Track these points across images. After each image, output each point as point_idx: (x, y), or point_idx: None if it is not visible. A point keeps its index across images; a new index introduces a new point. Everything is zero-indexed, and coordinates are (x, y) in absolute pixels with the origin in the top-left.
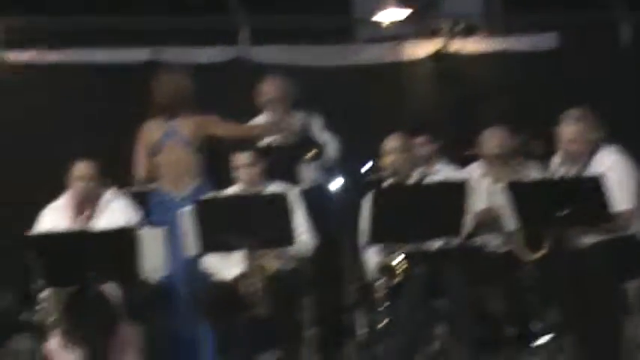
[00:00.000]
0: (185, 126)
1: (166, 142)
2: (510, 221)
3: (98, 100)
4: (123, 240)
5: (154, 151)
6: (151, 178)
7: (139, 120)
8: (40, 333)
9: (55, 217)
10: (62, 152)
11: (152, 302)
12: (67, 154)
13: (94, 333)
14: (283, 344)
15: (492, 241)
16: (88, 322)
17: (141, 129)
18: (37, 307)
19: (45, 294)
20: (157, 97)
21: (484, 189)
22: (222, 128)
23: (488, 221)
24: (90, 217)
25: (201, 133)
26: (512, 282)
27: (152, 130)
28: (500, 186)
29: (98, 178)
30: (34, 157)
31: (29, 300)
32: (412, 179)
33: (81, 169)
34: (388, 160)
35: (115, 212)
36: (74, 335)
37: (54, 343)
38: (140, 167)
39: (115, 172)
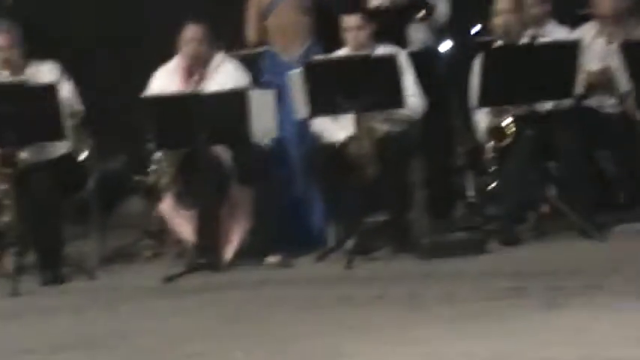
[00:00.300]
0: None
1: (277, 5)
2: (624, 82)
3: None
4: (234, 102)
5: (265, 14)
6: (261, 41)
7: None
8: (153, 195)
9: (166, 80)
10: (174, 15)
11: (262, 165)
12: (178, 18)
13: (206, 195)
14: (392, 206)
15: (606, 102)
16: (200, 184)
17: None
18: (150, 170)
19: (157, 156)
20: None
21: (597, 49)
22: None
23: (602, 82)
24: (200, 80)
25: None
26: (626, 143)
27: None
28: (613, 46)
29: (209, 40)
30: (147, 18)
31: (142, 162)
32: (523, 40)
33: (192, 31)
34: (499, 20)
35: (225, 75)
36: (186, 197)
37: (167, 204)
38: (251, 30)
39: (226, 35)
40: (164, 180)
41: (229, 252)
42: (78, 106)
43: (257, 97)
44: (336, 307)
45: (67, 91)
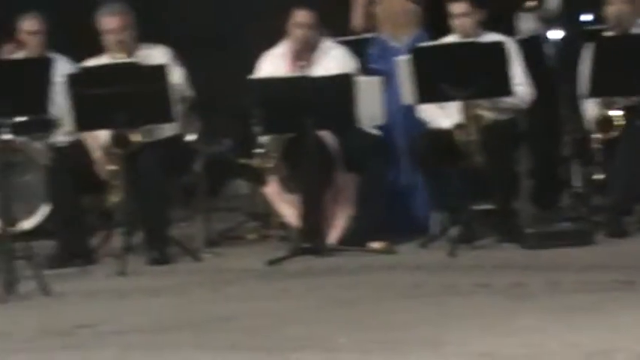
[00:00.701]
0: None
1: None
2: None
3: None
4: (341, 87)
5: (373, 1)
6: (369, 27)
7: None
8: (258, 178)
9: (273, 64)
10: (280, 1)
11: (368, 151)
12: (287, 3)
13: (310, 180)
14: (497, 195)
15: None
16: (305, 169)
17: None
18: (256, 153)
19: (264, 139)
20: None
21: None
22: None
23: None
24: (308, 65)
25: None
26: None
27: None
28: None
29: (317, 26)
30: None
31: (248, 145)
32: (636, 30)
33: (301, 16)
34: (611, 9)
35: (332, 60)
36: (291, 181)
37: (271, 188)
38: (358, 16)
39: (333, 21)
40: (269, 164)
41: (333, 237)
42: (188, 91)
43: (364, 83)
44: (440, 295)
45: (177, 76)
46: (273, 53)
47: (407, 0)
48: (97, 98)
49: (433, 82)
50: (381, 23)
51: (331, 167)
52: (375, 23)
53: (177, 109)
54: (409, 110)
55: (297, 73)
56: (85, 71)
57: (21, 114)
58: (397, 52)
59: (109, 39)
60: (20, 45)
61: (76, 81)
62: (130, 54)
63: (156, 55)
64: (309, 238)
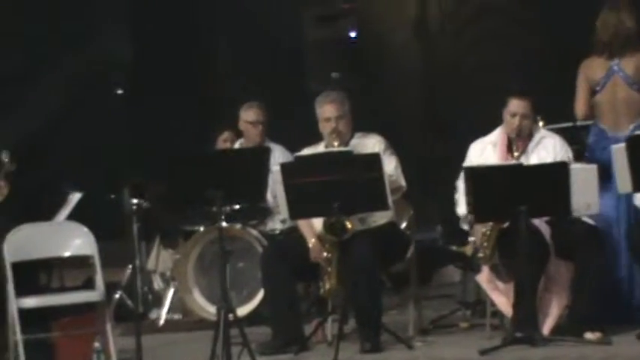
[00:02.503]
0: (629, 65)
1: (608, 81)
2: None
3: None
4: (556, 175)
5: (595, 89)
6: (590, 115)
7: (582, 56)
8: (471, 265)
9: (485, 152)
10: (500, 87)
11: (582, 239)
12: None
13: (525, 268)
14: None
15: None
16: (519, 257)
17: (583, 65)
18: (469, 240)
19: (478, 227)
20: (600, 35)
21: None
22: None
23: None
24: (521, 154)
25: None
26: None
27: (594, 68)
28: None
29: (532, 114)
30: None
31: (459, 233)
32: None
33: (516, 105)
34: None
35: (547, 150)
36: (505, 269)
37: (484, 275)
38: (580, 104)
39: (551, 109)
40: (483, 252)
41: (547, 326)
42: (401, 181)
43: (580, 171)
44: None
45: (391, 166)
46: (485, 140)
47: (632, 89)
48: (312, 186)
49: None
50: (600, 111)
51: (545, 256)
52: (596, 111)
53: (391, 198)
54: (627, 200)
55: (511, 162)
56: (299, 160)
57: (238, 202)
58: (615, 142)
59: (324, 127)
60: (237, 133)
61: (290, 170)
62: (345, 142)
63: (369, 144)
64: (523, 328)
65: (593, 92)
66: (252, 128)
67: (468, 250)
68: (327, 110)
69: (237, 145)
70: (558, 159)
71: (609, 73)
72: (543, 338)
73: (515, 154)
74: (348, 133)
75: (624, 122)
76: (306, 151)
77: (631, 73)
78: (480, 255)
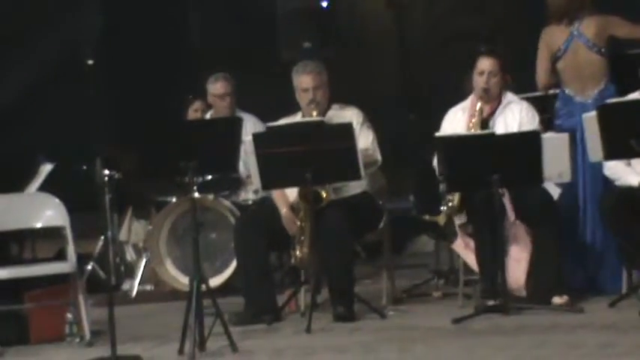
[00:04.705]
0: (589, 29)
1: (569, 46)
2: None
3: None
4: (527, 144)
5: (557, 56)
6: (552, 84)
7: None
8: (444, 234)
9: (455, 119)
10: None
11: (547, 206)
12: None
13: (490, 232)
14: None
15: None
16: (485, 222)
17: (543, 33)
18: (442, 210)
19: (450, 197)
20: (553, 2)
21: None
22: (625, 29)
23: None
24: (488, 117)
25: (604, 34)
26: None
27: (555, 35)
28: None
29: (501, 74)
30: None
31: (432, 202)
32: None
33: (486, 64)
34: None
35: (513, 114)
36: (476, 236)
37: (460, 241)
38: (541, 72)
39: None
40: (457, 221)
41: (520, 292)
42: (377, 155)
43: (551, 140)
44: (632, 355)
45: (366, 139)
46: (458, 107)
47: (592, 52)
48: (284, 157)
49: (621, 139)
50: (566, 78)
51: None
52: (559, 79)
53: (365, 171)
54: (595, 167)
55: (476, 125)
56: (271, 130)
57: (210, 173)
58: (583, 108)
59: (302, 97)
60: (209, 103)
61: (262, 140)
62: (322, 113)
63: (347, 115)
64: (493, 295)
65: (555, 60)
66: (220, 101)
67: (441, 219)
68: (304, 81)
69: (207, 117)
70: (524, 125)
71: (569, 39)
72: (514, 307)
73: (473, 120)
74: (325, 104)
75: (589, 86)
76: (283, 122)
77: (591, 37)
78: (454, 223)
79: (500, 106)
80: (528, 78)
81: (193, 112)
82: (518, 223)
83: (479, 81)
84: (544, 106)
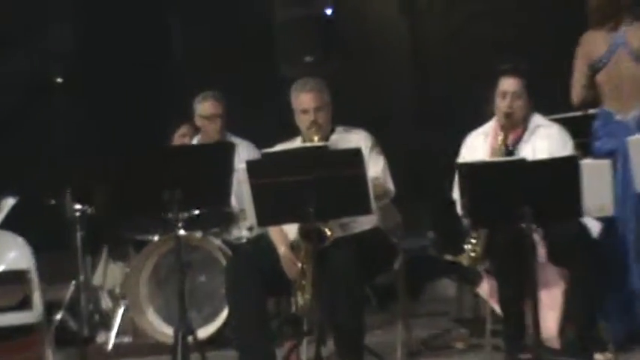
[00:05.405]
0: (635, 36)
1: (612, 56)
2: None
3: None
4: (563, 172)
5: (597, 67)
6: (591, 101)
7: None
8: (468, 277)
9: (475, 143)
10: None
11: (587, 245)
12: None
13: (517, 273)
14: None
15: None
16: (525, 266)
17: (581, 41)
18: (465, 248)
19: (474, 234)
20: (594, 4)
21: None
22: None
23: None
24: (515, 143)
25: None
26: None
27: (595, 42)
28: None
29: (526, 96)
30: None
31: (454, 239)
32: None
33: (509, 84)
34: None
35: (542, 139)
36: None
37: (484, 287)
38: (579, 85)
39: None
40: (481, 263)
41: (552, 343)
42: (389, 185)
43: (590, 166)
44: None
45: (377, 167)
46: (478, 132)
47: (636, 64)
48: (283, 188)
49: None
50: (606, 92)
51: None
52: (598, 94)
53: (376, 203)
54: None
55: (500, 151)
56: (267, 157)
57: (197, 206)
58: (625, 128)
59: (302, 120)
60: (197, 127)
61: (257, 169)
62: (324, 137)
63: (354, 139)
64: (521, 347)
65: (594, 71)
66: (209, 123)
67: (464, 259)
68: (304, 101)
69: (194, 142)
70: (555, 152)
71: (612, 47)
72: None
73: (496, 147)
74: (328, 127)
75: (630, 104)
76: (281, 148)
77: (637, 47)
78: (478, 265)
79: (527, 132)
80: (558, 96)
81: (180, 137)
82: (549, 265)
83: (501, 105)
84: (579, 129)
